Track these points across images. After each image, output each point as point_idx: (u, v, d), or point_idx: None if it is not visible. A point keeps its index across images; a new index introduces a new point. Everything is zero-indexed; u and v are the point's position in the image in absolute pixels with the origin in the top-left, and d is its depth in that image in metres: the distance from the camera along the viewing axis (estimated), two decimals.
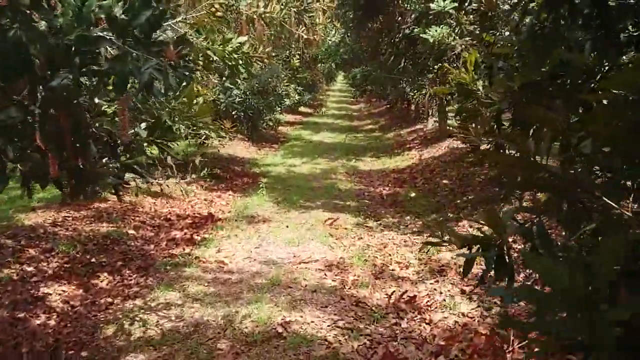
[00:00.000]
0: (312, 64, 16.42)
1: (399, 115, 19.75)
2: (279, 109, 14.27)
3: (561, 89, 1.94)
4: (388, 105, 21.55)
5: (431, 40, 4.79)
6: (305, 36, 4.96)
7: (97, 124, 2.47)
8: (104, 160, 2.58)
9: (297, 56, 12.12)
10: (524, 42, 2.11)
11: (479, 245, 1.57)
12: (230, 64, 3.03)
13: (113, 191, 2.76)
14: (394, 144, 13.83)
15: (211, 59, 3.08)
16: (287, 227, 6.20)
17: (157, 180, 4.47)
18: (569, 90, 1.88)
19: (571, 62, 1.79)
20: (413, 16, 5.69)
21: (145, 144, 2.75)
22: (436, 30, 4.84)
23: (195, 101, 3.52)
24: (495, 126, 2.49)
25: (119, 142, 2.56)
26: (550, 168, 1.31)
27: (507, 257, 1.53)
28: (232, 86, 7.66)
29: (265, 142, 14.66)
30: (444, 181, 8.24)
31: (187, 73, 2.13)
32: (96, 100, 2.51)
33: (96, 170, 2.45)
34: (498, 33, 5.14)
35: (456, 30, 4.91)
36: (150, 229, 6.15)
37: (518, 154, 1.34)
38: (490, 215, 1.51)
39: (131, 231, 5.94)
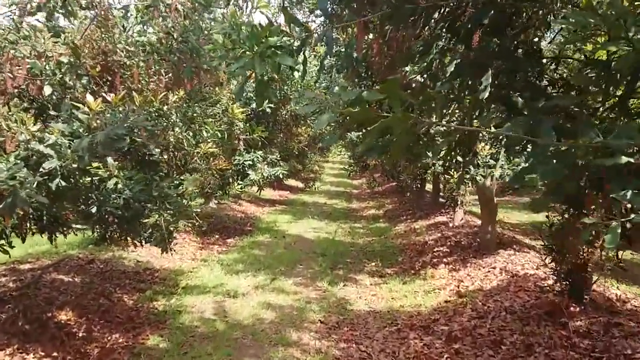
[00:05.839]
0: (293, 123, 12.06)
1: (410, 198, 15.31)
2: (239, 187, 9.84)
3: None
4: (397, 184, 17.22)
5: None
6: None
7: None
8: None
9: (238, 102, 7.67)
10: None
11: None
12: None
13: None
14: (408, 247, 9.20)
15: None
16: None
17: None
18: None
19: None
20: None
21: None
22: None
23: None
24: None
25: None
26: None
27: None
28: (46, 150, 3.22)
29: (219, 233, 10.07)
30: None
31: None
32: None
33: None
34: None
35: None
36: None
37: None
38: None
39: None
